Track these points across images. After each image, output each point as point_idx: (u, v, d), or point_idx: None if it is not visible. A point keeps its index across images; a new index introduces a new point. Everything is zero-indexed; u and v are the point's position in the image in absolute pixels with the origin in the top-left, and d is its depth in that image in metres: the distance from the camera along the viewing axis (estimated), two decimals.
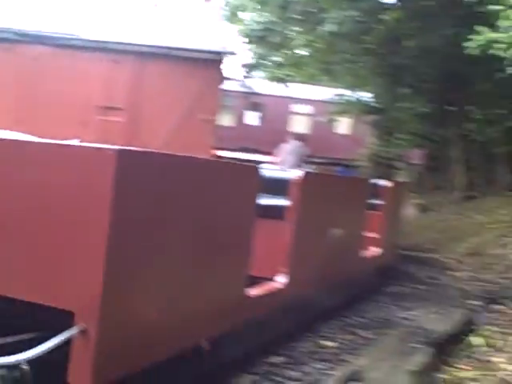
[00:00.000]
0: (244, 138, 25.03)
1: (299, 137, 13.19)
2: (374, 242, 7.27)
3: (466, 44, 6.78)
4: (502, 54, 6.20)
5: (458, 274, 10.11)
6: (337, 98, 20.69)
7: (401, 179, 23.58)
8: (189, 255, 3.26)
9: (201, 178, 3.35)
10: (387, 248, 7.89)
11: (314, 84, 24.44)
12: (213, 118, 16.97)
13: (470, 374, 4.92)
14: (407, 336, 5.11)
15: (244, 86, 19.63)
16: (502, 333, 6.17)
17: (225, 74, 18.45)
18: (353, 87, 20.22)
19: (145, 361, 2.94)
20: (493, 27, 6.27)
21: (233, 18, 14.87)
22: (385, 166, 22.51)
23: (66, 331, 2.51)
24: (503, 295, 8.31)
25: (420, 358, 4.52)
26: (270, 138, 25.16)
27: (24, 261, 2.68)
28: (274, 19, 13.81)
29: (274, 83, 16.85)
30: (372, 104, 20.53)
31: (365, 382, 3.81)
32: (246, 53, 17.60)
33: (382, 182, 8.19)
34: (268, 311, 4.42)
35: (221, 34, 17.28)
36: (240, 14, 15.32)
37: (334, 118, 21.74)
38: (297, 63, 17.05)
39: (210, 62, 16.82)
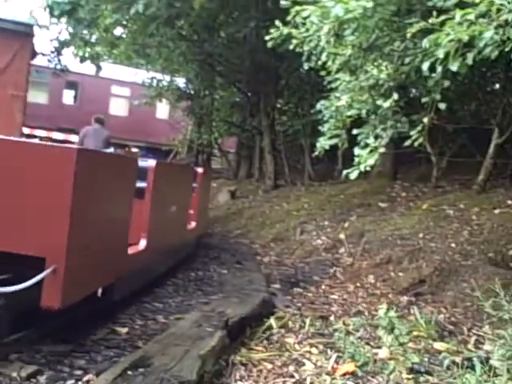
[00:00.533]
0: (59, 117, 23.86)
1: (98, 120, 13.27)
2: (192, 218, 9.26)
3: (266, 38, 6.95)
4: (298, 49, 6.42)
5: (264, 258, 10.45)
6: (152, 81, 20.50)
7: (215, 166, 24.01)
8: (102, 223, 4.72)
9: (111, 169, 4.91)
10: (200, 222, 9.99)
11: (132, 66, 23.94)
12: (22, 94, 15.92)
13: (264, 356, 5.05)
14: (204, 320, 5.09)
15: (59, 62, 18.57)
16: (301, 315, 6.44)
17: (37, 49, 17.36)
18: (167, 72, 20.10)
19: (87, 290, 4.60)
20: (290, 22, 6.49)
21: None
22: (199, 152, 22.76)
23: (43, 271, 3.78)
24: (303, 279, 8.71)
25: (213, 342, 4.51)
26: (86, 118, 24.20)
27: (13, 225, 3.96)
28: None
29: (87, 62, 16.07)
30: (186, 90, 20.59)
31: (150, 368, 3.71)
32: (60, 27, 16.66)
33: (197, 169, 10.20)
34: (138, 266, 5.99)
35: (32, 5, 16.21)
36: None
37: (151, 102, 21.48)
38: (111, 43, 16.41)
39: (19, 34, 15.68)
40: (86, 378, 4.02)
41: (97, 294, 5.04)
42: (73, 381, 3.99)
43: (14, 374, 3.95)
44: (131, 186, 5.40)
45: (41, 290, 3.84)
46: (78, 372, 4.15)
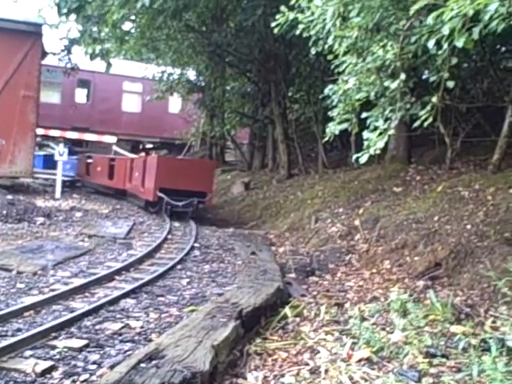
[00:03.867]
0: (73, 116, 23.93)
1: None
2: None
3: (272, 24, 6.88)
4: (305, 34, 6.35)
5: (279, 248, 10.41)
6: (162, 75, 20.51)
7: (229, 158, 23.97)
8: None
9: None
10: None
11: (143, 61, 23.94)
12: (34, 95, 16.00)
13: (279, 345, 5.03)
14: (217, 311, 5.06)
15: (70, 61, 18.61)
16: (316, 303, 6.40)
17: (47, 49, 17.39)
18: (177, 65, 20.10)
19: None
20: (297, 7, 6.42)
21: None
22: (213, 145, 22.73)
23: (206, 196, 13.50)
24: (318, 267, 8.66)
25: (226, 332, 4.48)
26: (99, 116, 24.35)
27: (198, 182, 13.40)
28: None
29: (97, 59, 16.09)
30: (196, 82, 20.57)
31: (163, 360, 3.69)
32: (69, 26, 16.68)
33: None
34: None
35: (39, 4, 16.19)
36: None
37: (163, 97, 21.49)
38: (120, 38, 16.42)
39: (28, 34, 15.74)
40: (99, 372, 4.03)
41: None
42: (87, 375, 4.00)
43: (29, 370, 3.97)
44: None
45: (203, 201, 13.30)
46: (92, 366, 4.16)
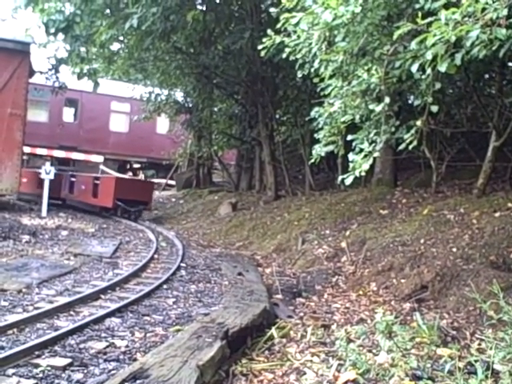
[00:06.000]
0: (60, 135, 23.88)
1: None
2: None
3: (259, 47, 6.96)
4: (292, 57, 6.44)
5: (266, 269, 10.41)
6: (150, 96, 20.63)
7: (216, 179, 24.00)
8: None
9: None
10: None
11: (131, 82, 24.04)
12: (21, 113, 15.99)
13: (265, 366, 5.01)
14: (203, 331, 5.05)
15: (57, 80, 18.63)
16: (303, 324, 6.40)
17: (35, 67, 17.43)
18: (165, 86, 20.24)
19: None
20: (283, 31, 6.51)
21: (35, 6, 13.80)
22: (200, 166, 22.77)
23: (148, 204, 18.51)
24: (305, 288, 8.66)
25: (212, 352, 4.46)
26: (86, 135, 24.35)
27: (141, 194, 18.05)
28: (78, 11, 13.17)
29: (85, 78, 16.13)
30: (184, 103, 20.69)
31: (147, 380, 3.67)
32: (57, 45, 16.72)
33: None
34: None
35: (27, 23, 16.24)
36: (42, 3, 14.12)
37: (150, 117, 21.58)
38: (108, 58, 16.50)
39: (16, 52, 15.79)
40: None
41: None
42: None
43: None
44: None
45: (146, 207, 18.23)
46: None
